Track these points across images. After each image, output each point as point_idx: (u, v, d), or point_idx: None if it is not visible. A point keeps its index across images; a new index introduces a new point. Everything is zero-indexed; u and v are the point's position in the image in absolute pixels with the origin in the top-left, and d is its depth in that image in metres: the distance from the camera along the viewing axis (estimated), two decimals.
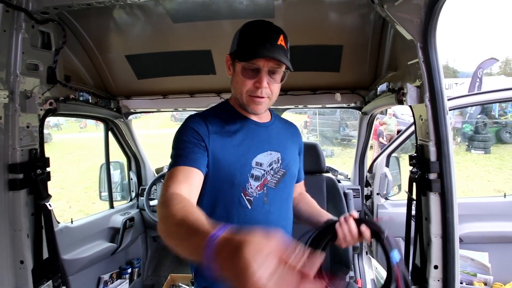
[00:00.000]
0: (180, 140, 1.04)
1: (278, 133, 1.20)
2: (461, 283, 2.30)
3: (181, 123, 1.10)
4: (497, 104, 11.89)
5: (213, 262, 0.53)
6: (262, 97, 1.06)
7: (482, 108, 11.56)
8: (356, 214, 1.05)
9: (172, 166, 0.99)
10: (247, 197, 1.09)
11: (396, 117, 11.26)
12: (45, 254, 1.44)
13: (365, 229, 1.00)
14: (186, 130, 1.05)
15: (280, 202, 1.16)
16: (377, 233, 0.97)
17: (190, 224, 0.68)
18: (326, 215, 1.23)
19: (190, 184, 0.96)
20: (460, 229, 1.99)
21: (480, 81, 10.73)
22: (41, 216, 1.42)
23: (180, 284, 2.54)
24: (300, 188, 1.38)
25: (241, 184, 1.08)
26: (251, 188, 1.10)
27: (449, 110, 1.26)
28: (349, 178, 2.73)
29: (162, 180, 2.58)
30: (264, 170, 1.11)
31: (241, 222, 1.08)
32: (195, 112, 1.20)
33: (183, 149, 1.02)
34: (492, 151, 10.56)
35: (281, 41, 1.04)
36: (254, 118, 1.16)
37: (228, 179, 1.07)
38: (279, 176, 1.16)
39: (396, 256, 0.91)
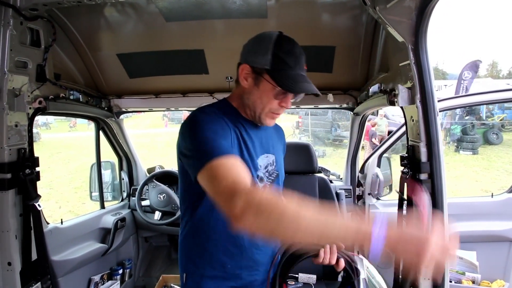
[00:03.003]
0: (208, 130, 0.96)
1: (271, 136, 1.22)
2: (450, 281, 2.34)
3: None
4: (485, 106, 12.15)
5: (384, 248, 0.72)
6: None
7: (470, 110, 11.79)
8: (342, 246, 1.11)
9: (212, 157, 0.89)
10: None
11: (387, 118, 11.40)
12: (34, 256, 1.41)
13: (341, 264, 1.11)
14: (211, 121, 0.99)
15: None
16: (350, 272, 1.14)
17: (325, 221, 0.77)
18: None
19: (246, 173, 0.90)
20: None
21: (469, 83, 10.95)
22: (30, 217, 1.39)
23: (172, 285, 2.53)
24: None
25: None
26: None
27: (439, 111, 1.28)
28: (341, 178, 2.75)
29: (154, 180, 2.57)
30: (263, 172, 1.13)
31: None
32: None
33: (216, 141, 0.94)
34: (479, 151, 10.78)
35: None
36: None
37: None
38: (272, 178, 1.18)
39: None
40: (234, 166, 0.89)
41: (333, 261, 1.10)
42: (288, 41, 1.05)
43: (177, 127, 1.10)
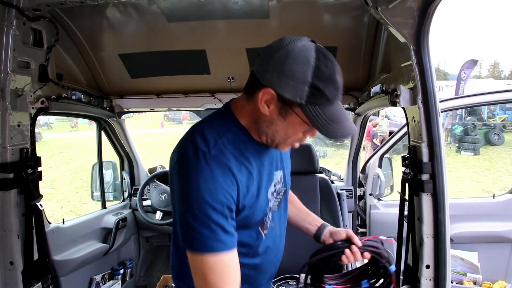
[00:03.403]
0: (206, 201, 0.81)
1: None
2: (451, 282, 2.34)
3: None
4: (486, 106, 12.13)
5: None
6: None
7: (471, 110, 11.77)
8: (359, 243, 1.08)
9: (208, 250, 0.82)
10: (264, 231, 1.01)
11: (388, 119, 11.39)
12: (36, 255, 1.41)
13: (366, 255, 1.06)
14: (212, 184, 0.82)
15: (281, 221, 1.11)
16: (377, 258, 1.09)
17: None
18: (313, 220, 1.22)
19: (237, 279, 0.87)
20: (451, 229, 2.02)
21: (464, 83, 10.95)
22: (32, 217, 1.40)
23: (172, 285, 2.53)
24: None
25: (259, 220, 0.98)
26: (268, 220, 1.02)
27: (441, 112, 1.28)
28: (342, 179, 2.75)
29: (155, 180, 2.58)
30: (271, 197, 1.02)
31: (254, 254, 1.01)
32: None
33: (217, 224, 0.82)
34: (481, 152, 10.76)
35: None
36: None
37: (248, 220, 0.93)
38: (280, 197, 1.08)
39: (393, 268, 1.08)
40: (226, 272, 0.84)
41: (359, 259, 1.07)
42: (329, 63, 0.83)
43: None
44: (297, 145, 0.94)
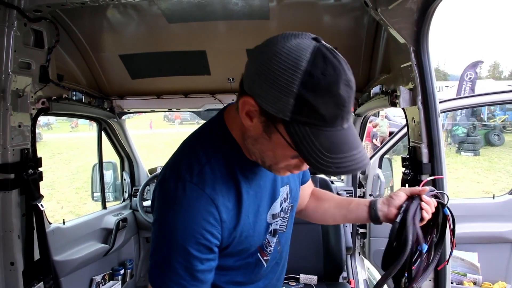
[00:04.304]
0: (186, 252, 0.70)
1: None
2: (451, 282, 2.34)
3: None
4: (486, 107, 12.13)
5: None
6: None
7: (471, 111, 11.77)
8: (425, 188, 0.93)
9: None
10: (265, 258, 0.89)
11: (388, 119, 11.39)
12: (37, 255, 1.42)
13: (434, 200, 0.92)
14: (194, 236, 0.70)
15: (287, 239, 0.98)
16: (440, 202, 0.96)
17: None
18: (358, 203, 1.02)
19: None
20: None
21: (473, 83, 10.93)
22: (33, 217, 1.40)
23: None
24: (310, 187, 1.13)
25: (257, 246, 0.86)
26: (270, 246, 0.90)
27: (441, 112, 1.28)
28: (342, 179, 2.75)
29: (155, 181, 2.57)
30: (278, 217, 0.90)
31: (253, 281, 0.90)
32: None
33: (185, 268, 0.72)
34: (481, 153, 10.76)
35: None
36: None
37: (242, 248, 0.82)
38: (288, 215, 0.95)
39: (447, 211, 0.95)
40: None
41: (432, 207, 0.91)
42: (329, 69, 0.61)
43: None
44: (296, 172, 0.78)
